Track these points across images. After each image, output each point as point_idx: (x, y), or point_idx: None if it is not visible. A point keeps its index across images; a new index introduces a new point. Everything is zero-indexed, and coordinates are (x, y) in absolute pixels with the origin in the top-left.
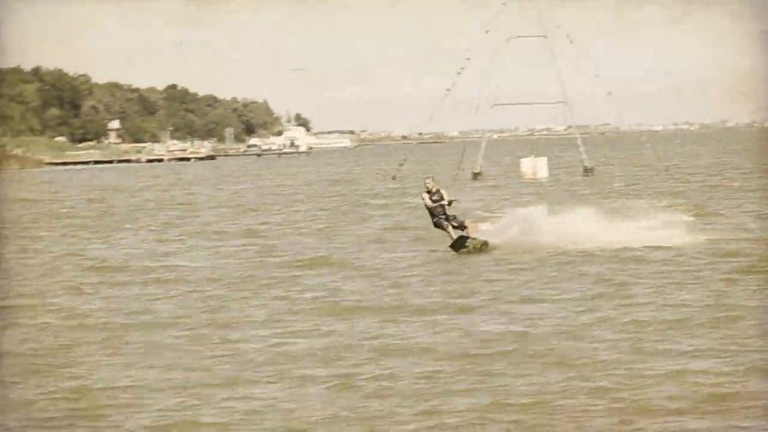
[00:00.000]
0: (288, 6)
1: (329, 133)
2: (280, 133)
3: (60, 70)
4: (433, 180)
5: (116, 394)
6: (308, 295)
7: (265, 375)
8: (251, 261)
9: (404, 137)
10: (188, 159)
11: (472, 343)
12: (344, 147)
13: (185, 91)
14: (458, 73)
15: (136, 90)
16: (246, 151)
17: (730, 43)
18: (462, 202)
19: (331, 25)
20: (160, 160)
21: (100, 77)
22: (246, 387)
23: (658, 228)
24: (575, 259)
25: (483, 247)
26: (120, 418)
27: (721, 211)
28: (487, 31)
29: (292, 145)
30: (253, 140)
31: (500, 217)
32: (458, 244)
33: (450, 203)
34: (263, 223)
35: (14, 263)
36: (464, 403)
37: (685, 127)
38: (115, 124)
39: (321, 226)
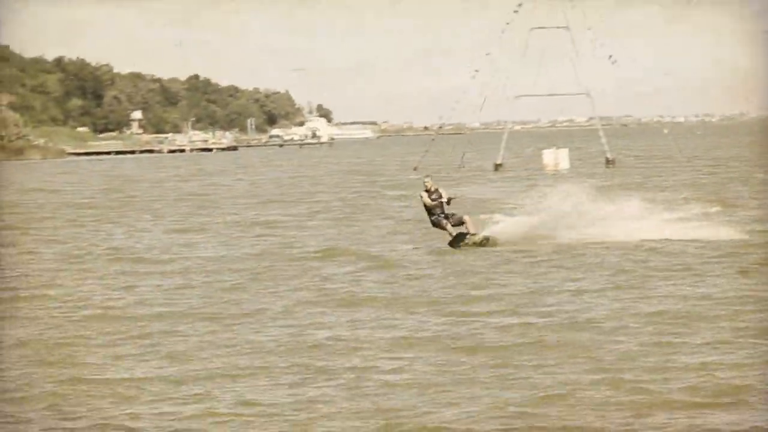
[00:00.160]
0: (288, 6)
1: (351, 123)
2: (301, 124)
3: (82, 60)
4: (431, 178)
5: (135, 384)
6: (327, 286)
7: (284, 366)
8: (270, 253)
9: (426, 128)
10: (210, 149)
11: (491, 334)
12: (366, 138)
13: (207, 82)
14: (476, 70)
15: (159, 80)
16: (268, 141)
17: (730, 42)
18: (483, 194)
19: (330, 25)
20: (182, 151)
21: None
22: (263, 378)
23: (684, 220)
24: (597, 251)
25: (483, 242)
26: (141, 408)
27: (743, 203)
28: (507, 23)
29: (314, 135)
30: (274, 131)
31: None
32: (456, 241)
33: (449, 201)
34: (284, 214)
35: (33, 255)
36: (484, 395)
37: (707, 119)
38: (137, 114)
39: (341, 216)
